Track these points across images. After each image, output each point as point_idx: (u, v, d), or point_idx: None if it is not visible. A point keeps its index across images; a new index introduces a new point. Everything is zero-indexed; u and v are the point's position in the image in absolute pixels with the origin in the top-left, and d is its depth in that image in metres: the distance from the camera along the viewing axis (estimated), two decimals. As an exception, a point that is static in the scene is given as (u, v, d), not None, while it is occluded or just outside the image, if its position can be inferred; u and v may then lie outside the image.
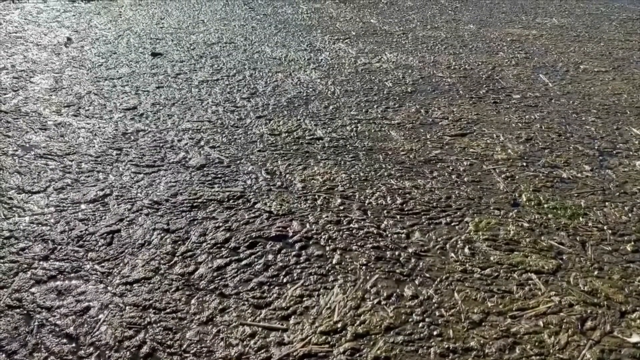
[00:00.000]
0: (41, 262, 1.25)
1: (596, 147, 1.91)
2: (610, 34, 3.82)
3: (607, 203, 1.54)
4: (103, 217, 1.44)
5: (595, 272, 1.25)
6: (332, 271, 1.25)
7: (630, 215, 1.48)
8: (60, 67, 2.78)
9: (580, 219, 1.46)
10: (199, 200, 1.53)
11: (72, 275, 1.21)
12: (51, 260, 1.26)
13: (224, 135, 1.98)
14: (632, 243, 1.36)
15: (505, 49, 3.32)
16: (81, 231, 1.37)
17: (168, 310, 1.11)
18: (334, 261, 1.28)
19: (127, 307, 1.12)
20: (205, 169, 1.72)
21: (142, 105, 2.26)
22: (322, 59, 3.03)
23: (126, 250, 1.30)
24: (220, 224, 1.41)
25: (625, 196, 1.58)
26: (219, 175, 1.67)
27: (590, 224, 1.44)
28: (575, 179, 1.68)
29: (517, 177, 1.69)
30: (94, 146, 1.86)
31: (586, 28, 4.00)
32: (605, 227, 1.42)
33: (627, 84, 2.62)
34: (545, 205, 1.52)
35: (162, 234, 1.37)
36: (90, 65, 2.81)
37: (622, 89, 2.54)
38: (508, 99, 2.40)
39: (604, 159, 1.82)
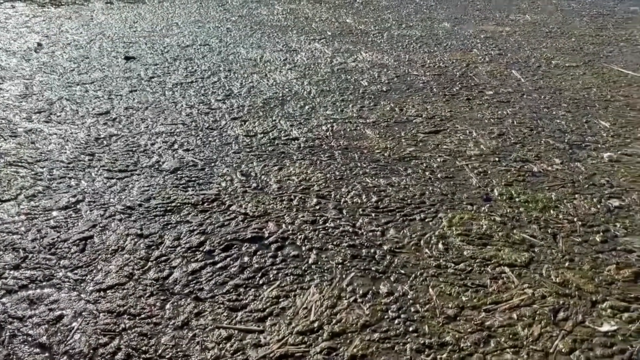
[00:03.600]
0: (12, 272, 1.23)
1: (566, 141, 1.94)
2: (581, 29, 3.89)
3: (576, 195, 1.57)
4: (75, 224, 1.42)
5: (567, 264, 1.28)
6: (308, 271, 1.25)
7: (599, 206, 1.51)
8: (30, 73, 2.73)
9: (551, 211, 1.49)
10: (173, 204, 1.52)
11: (44, 283, 1.19)
12: (22, 269, 1.24)
13: (198, 137, 1.97)
14: (601, 234, 1.38)
15: (479, 46, 3.35)
16: (53, 239, 1.35)
17: (143, 316, 1.10)
18: (310, 261, 1.28)
19: (101, 314, 1.11)
20: (179, 172, 1.71)
21: (115, 110, 2.24)
22: (298, 60, 3.03)
23: (99, 257, 1.29)
24: (195, 228, 1.41)
25: (594, 188, 1.61)
26: (193, 179, 1.66)
27: (561, 216, 1.46)
28: (546, 173, 1.71)
29: (489, 172, 1.71)
30: (66, 152, 1.84)
31: (558, 24, 4.07)
32: (575, 219, 1.45)
33: (596, 78, 2.67)
34: (517, 199, 1.55)
35: (136, 239, 1.35)
36: (61, 71, 2.77)
37: (592, 83, 2.59)
38: (481, 96, 2.42)
39: (573, 152, 1.85)
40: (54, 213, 1.47)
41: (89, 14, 4.27)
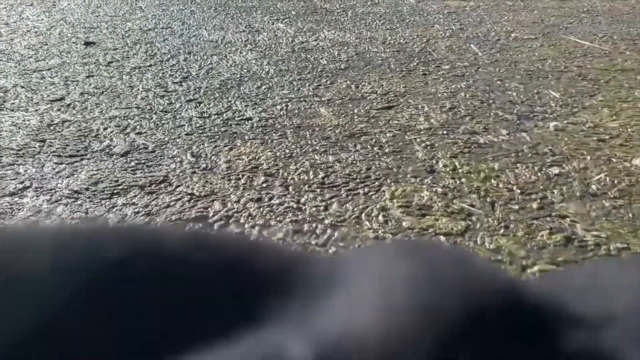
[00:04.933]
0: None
1: (515, 112, 1.97)
2: (544, 2, 3.91)
3: (518, 164, 1.61)
4: (20, 210, 1.42)
5: (502, 231, 1.31)
6: (249, 247, 1.27)
7: (539, 174, 1.55)
8: (-14, 61, 2.69)
9: (492, 181, 1.52)
10: (120, 187, 1.52)
11: (-15, 269, 1.20)
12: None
13: (151, 120, 1.97)
14: (539, 201, 1.42)
15: (442, 21, 3.36)
16: (-3, 225, 1.36)
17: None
18: (252, 238, 1.31)
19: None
20: (129, 155, 1.71)
21: (70, 96, 2.22)
22: (259, 40, 3.02)
23: (42, 241, 1.30)
24: (140, 209, 1.42)
25: (536, 157, 1.65)
26: (143, 161, 1.67)
27: (501, 185, 1.50)
28: (491, 144, 1.74)
29: (436, 145, 1.74)
30: (17, 139, 1.83)
31: (523, -3, 4.08)
32: (514, 187, 1.49)
33: (553, 50, 2.70)
34: (460, 170, 1.58)
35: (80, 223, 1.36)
36: (19, 58, 2.74)
37: (548, 55, 2.62)
38: (437, 70, 2.44)
39: (521, 122, 1.89)
40: (-1, 200, 1.47)
41: (51, 0, 4.20)
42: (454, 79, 2.32)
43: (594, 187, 1.49)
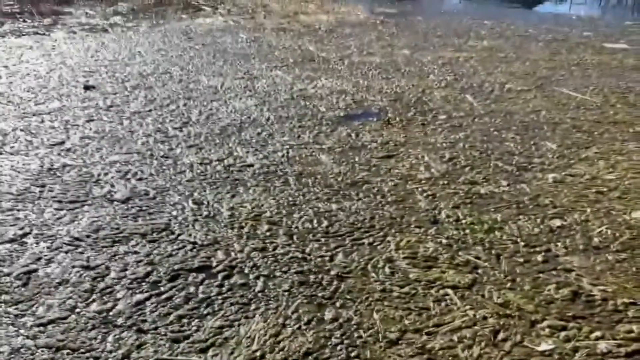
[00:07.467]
0: (-51, 309, 1.20)
1: (514, 163, 2.00)
2: (536, 54, 4.03)
3: (521, 216, 1.62)
4: (20, 257, 1.39)
5: (508, 284, 1.31)
6: (254, 299, 1.25)
7: (541, 226, 1.56)
8: (-15, 103, 2.70)
9: (496, 232, 1.53)
10: (122, 235, 1.50)
11: (-18, 320, 1.17)
12: (-40, 306, 1.21)
13: (152, 166, 1.97)
14: (543, 253, 1.42)
15: (436, 71, 3.44)
16: (-5, 273, 1.32)
17: (82, 350, 1.09)
18: (257, 289, 1.29)
19: (39, 350, 1.09)
20: (130, 201, 1.70)
21: (70, 140, 2.22)
22: (258, 87, 3.06)
23: (42, 290, 1.27)
24: (142, 258, 1.40)
25: (537, 208, 1.66)
26: (144, 208, 1.66)
27: (505, 237, 1.50)
28: (492, 195, 1.75)
29: (438, 195, 1.75)
30: (16, 184, 1.81)
31: (514, 49, 4.20)
32: (518, 240, 1.49)
33: (547, 102, 2.77)
34: (464, 221, 1.58)
35: (81, 271, 1.34)
36: (18, 101, 2.75)
37: (542, 106, 2.68)
38: (434, 120, 2.48)
39: (520, 173, 1.91)
40: (-2, 247, 1.44)
41: (50, 44, 4.25)
42: (452, 129, 2.36)
43: (596, 240, 1.50)
